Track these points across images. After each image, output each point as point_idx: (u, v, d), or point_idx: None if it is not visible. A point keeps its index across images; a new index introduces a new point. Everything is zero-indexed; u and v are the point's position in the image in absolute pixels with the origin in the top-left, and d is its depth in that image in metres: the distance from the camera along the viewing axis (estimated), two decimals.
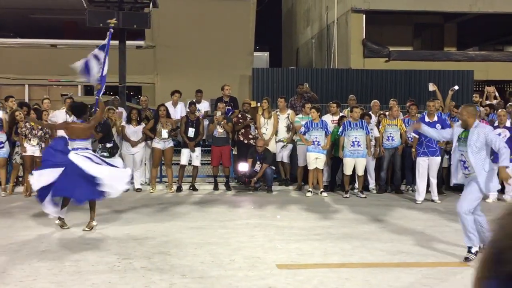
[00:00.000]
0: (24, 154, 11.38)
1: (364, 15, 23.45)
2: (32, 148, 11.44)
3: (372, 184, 12.48)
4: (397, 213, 10.03)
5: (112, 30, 9.60)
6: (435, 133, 7.70)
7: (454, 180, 7.12)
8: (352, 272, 6.19)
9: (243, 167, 12.40)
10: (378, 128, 12.29)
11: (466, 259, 6.65)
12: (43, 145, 11.50)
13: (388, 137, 12.22)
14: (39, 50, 23.89)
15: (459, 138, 6.84)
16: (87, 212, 8.32)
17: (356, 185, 12.05)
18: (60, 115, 12.00)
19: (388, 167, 12.42)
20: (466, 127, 6.77)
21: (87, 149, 8.22)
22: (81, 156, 7.94)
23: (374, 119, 12.69)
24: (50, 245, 7.32)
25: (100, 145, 11.44)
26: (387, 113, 12.72)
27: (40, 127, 11.46)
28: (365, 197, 11.63)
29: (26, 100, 22.14)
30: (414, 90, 20.96)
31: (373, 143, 12.14)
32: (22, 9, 24.77)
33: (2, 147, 11.47)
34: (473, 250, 6.68)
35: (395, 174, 12.48)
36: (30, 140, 11.42)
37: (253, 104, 15.24)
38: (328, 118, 12.63)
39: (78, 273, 6.06)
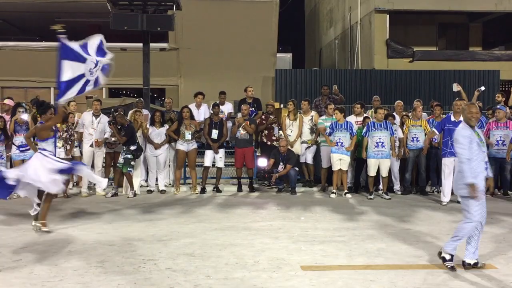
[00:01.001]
0: None
1: (388, 15, 23.33)
2: (58, 150, 11.53)
3: (396, 185, 12.38)
4: (423, 214, 9.93)
5: (61, 36, 8.41)
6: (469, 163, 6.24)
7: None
8: (378, 274, 6.14)
9: (262, 162, 12.45)
10: (402, 129, 12.18)
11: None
12: (68, 147, 11.62)
13: (412, 138, 12.11)
14: None
15: (479, 140, 6.34)
16: (110, 214, 8.37)
17: (381, 187, 11.96)
18: (87, 117, 12.11)
19: (412, 168, 12.30)
20: (472, 127, 6.40)
21: (45, 150, 8.19)
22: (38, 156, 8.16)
23: (398, 119, 12.59)
24: (76, 246, 7.38)
25: (124, 147, 11.53)
26: (409, 114, 12.62)
27: (65, 128, 11.57)
28: (390, 199, 11.54)
29: (52, 102, 22.43)
30: (438, 91, 20.81)
31: (397, 144, 12.05)
32: (47, 13, 25.05)
33: (28, 149, 11.60)
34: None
35: (420, 175, 12.35)
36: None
37: (277, 105, 15.23)
38: (352, 119, 12.56)
39: (104, 273, 6.11)
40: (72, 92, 8.41)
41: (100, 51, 8.84)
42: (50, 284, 5.75)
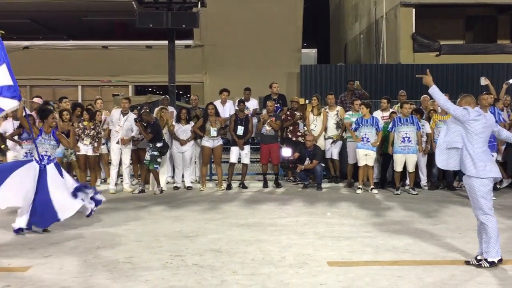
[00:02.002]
0: (78, 153, 11.64)
1: (414, 9, 23.06)
2: (85, 148, 11.70)
3: (423, 180, 12.27)
4: (450, 210, 9.84)
5: None
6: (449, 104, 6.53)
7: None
8: (405, 270, 6.10)
9: (287, 152, 12.47)
10: (429, 124, 12.07)
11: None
12: (95, 144, 11.76)
13: (440, 132, 11.95)
14: (91, 52, 24.44)
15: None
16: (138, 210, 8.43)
17: (407, 182, 11.87)
18: (115, 115, 12.23)
19: None
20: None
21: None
22: None
23: (425, 114, 12.47)
24: (104, 242, 7.48)
25: (150, 144, 11.62)
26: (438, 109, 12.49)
27: (92, 126, 11.71)
28: (417, 194, 11.45)
29: (79, 100, 22.71)
30: (466, 85, 20.55)
31: (424, 139, 11.94)
32: (74, 12, 25.38)
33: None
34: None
35: (447, 170, 12.21)
36: (83, 139, 11.68)
37: (302, 101, 15.21)
38: (378, 114, 12.48)
39: (132, 269, 6.18)
40: None
41: None
42: (80, 279, 5.84)
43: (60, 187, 8.00)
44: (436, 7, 23.65)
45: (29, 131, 8.18)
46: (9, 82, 7.68)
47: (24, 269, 6.24)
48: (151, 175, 11.89)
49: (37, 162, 8.01)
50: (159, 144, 11.60)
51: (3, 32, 7.85)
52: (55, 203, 7.80)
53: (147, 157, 11.65)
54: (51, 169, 8.08)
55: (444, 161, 6.51)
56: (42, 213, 7.76)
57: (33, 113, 12.32)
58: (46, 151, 8.14)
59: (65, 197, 7.92)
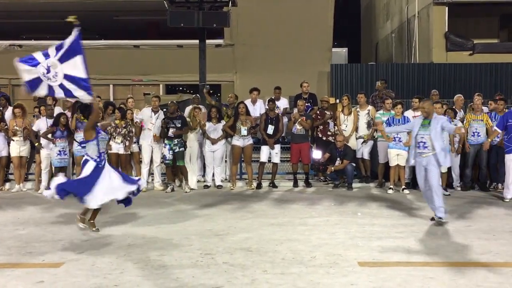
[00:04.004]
0: (109, 151, 11.76)
1: (447, 7, 22.77)
2: (117, 146, 11.81)
3: (456, 181, 12.09)
4: (484, 211, 9.68)
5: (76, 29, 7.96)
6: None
7: (412, 160, 9.05)
8: (437, 271, 6.02)
9: (317, 154, 12.41)
10: (462, 123, 11.89)
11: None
12: (127, 143, 11.86)
13: (473, 132, 11.81)
14: (122, 51, 24.69)
15: (422, 125, 8.74)
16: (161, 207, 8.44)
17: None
18: (146, 113, 12.32)
19: (473, 164, 11.99)
20: (427, 117, 8.76)
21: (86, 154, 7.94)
22: None
23: (458, 114, 12.29)
24: (135, 240, 7.54)
25: (175, 140, 11.72)
26: (470, 106, 12.33)
27: (123, 125, 11.81)
28: (449, 195, 11.28)
29: (111, 99, 22.95)
30: (500, 84, 20.24)
31: (457, 139, 11.76)
32: (106, 12, 25.66)
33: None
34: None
35: (480, 171, 12.03)
36: (114, 138, 11.79)
37: (332, 100, 15.12)
38: (409, 114, 12.32)
39: (162, 267, 6.22)
40: (40, 90, 7.93)
41: (66, 54, 7.89)
42: (112, 276, 5.90)
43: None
44: (469, 5, 23.32)
45: (90, 129, 7.90)
46: (83, 75, 7.85)
47: (57, 265, 6.34)
48: (179, 172, 12.02)
49: (94, 160, 7.80)
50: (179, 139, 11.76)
51: (76, 17, 7.91)
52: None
53: (169, 154, 11.73)
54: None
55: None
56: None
57: (66, 112, 12.53)
58: (104, 147, 8.01)
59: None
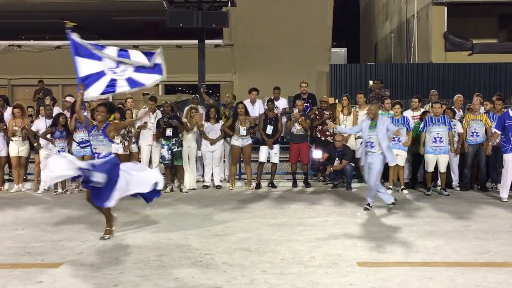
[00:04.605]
0: None
1: (446, 7, 22.79)
2: (116, 146, 11.79)
3: (455, 181, 12.10)
4: (483, 211, 9.68)
5: (71, 32, 8.07)
6: (348, 130, 11.35)
7: (363, 162, 9.87)
8: (436, 271, 6.03)
9: (317, 154, 12.42)
10: (462, 124, 11.90)
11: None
12: (126, 143, 11.86)
13: (472, 132, 11.81)
14: None
15: (370, 127, 9.57)
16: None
17: (439, 182, 11.71)
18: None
19: (472, 164, 12.00)
20: (374, 118, 9.61)
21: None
22: None
23: (457, 114, 12.30)
24: (134, 239, 7.54)
25: (173, 140, 11.74)
26: (468, 107, 12.35)
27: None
28: (448, 195, 11.29)
29: (110, 99, 22.92)
30: (499, 84, 20.26)
31: (456, 139, 11.77)
32: (105, 12, 25.64)
33: (88, 145, 11.87)
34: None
35: (480, 171, 12.04)
36: (113, 138, 11.76)
37: (331, 100, 15.11)
38: (408, 114, 12.34)
39: (162, 267, 6.22)
40: (95, 89, 7.95)
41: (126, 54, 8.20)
42: (111, 276, 5.90)
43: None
44: (468, 5, 23.35)
45: (84, 123, 7.96)
46: (146, 61, 8.05)
47: (56, 265, 6.33)
48: (177, 172, 12.04)
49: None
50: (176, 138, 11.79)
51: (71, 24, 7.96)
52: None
53: (167, 155, 11.74)
54: None
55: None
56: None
57: (65, 112, 12.53)
58: (95, 148, 7.75)
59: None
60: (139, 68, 8.05)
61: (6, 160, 12.44)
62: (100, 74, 7.98)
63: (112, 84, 7.98)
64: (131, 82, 8.01)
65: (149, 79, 8.07)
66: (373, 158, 9.53)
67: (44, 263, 6.46)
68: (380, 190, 9.72)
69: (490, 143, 11.08)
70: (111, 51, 8.10)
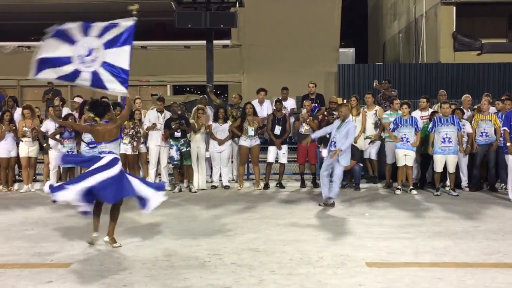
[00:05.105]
0: None
1: (455, 7, 22.71)
2: (125, 147, 11.84)
3: (464, 181, 12.04)
4: (492, 211, 9.64)
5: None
6: (321, 131, 10.93)
7: (325, 154, 10.48)
8: (445, 272, 6.01)
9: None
10: (471, 124, 11.85)
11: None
12: (134, 143, 11.89)
13: (481, 132, 11.77)
14: None
15: (337, 128, 9.99)
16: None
17: (448, 183, 11.67)
18: (152, 114, 12.33)
19: (481, 164, 11.95)
20: (343, 120, 10.01)
21: (111, 152, 7.15)
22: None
23: (466, 114, 12.25)
24: (143, 240, 7.56)
25: (182, 140, 11.74)
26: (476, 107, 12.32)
27: (131, 125, 11.84)
28: (457, 195, 11.25)
29: (119, 100, 22.99)
30: (508, 84, 20.15)
31: (465, 139, 11.73)
32: (112, 13, 25.60)
33: (95, 146, 11.88)
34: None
35: (489, 171, 11.99)
36: (122, 139, 11.81)
37: (340, 100, 15.09)
38: (417, 114, 12.30)
39: (170, 267, 6.23)
40: (52, 72, 7.27)
41: (114, 40, 7.33)
42: (120, 276, 5.92)
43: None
44: (477, 5, 23.26)
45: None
46: (126, 66, 7.25)
47: (65, 265, 6.36)
48: (184, 172, 12.07)
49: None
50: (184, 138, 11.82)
51: (137, 7, 7.50)
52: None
53: (176, 155, 11.75)
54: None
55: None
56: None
57: (74, 113, 12.58)
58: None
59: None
60: (108, 65, 7.22)
61: (16, 160, 12.50)
62: (65, 61, 7.28)
63: (74, 74, 7.29)
64: (95, 79, 7.25)
65: (112, 84, 7.26)
66: (338, 157, 9.95)
67: (53, 263, 6.49)
68: (337, 184, 10.05)
69: (508, 144, 10.82)
70: (97, 29, 7.36)
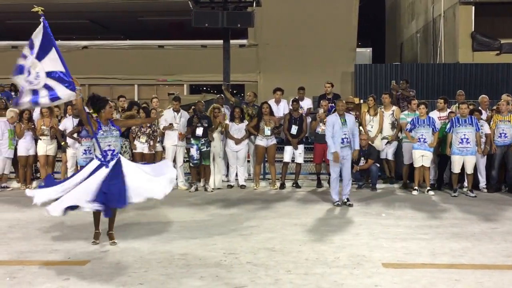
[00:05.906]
0: (134, 151, 11.84)
1: (473, 7, 22.51)
2: (141, 145, 11.89)
3: (482, 183, 11.94)
4: (510, 213, 9.54)
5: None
6: (329, 138, 10.25)
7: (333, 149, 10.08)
8: (463, 274, 5.95)
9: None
10: (489, 124, 11.74)
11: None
12: (151, 142, 11.93)
13: (500, 133, 11.66)
14: (147, 51, 24.89)
15: (342, 123, 10.06)
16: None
17: (465, 184, 11.58)
18: (168, 114, 12.35)
19: (500, 165, 11.84)
20: (342, 115, 10.15)
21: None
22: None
23: (484, 115, 12.14)
24: (159, 238, 7.59)
25: (202, 140, 11.75)
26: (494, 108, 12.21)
27: (148, 124, 11.87)
28: (475, 196, 11.15)
29: (136, 99, 23.13)
30: None
31: (483, 140, 11.63)
32: (131, 12, 25.87)
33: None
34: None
35: (507, 172, 11.87)
36: (139, 137, 11.86)
37: (356, 100, 15.03)
38: (434, 115, 12.21)
39: (186, 266, 6.25)
40: (24, 98, 7.02)
41: (42, 49, 7.01)
42: (136, 274, 5.94)
43: (138, 173, 7.21)
44: (496, 4, 23.05)
45: (87, 126, 7.32)
46: (62, 68, 6.96)
47: (82, 263, 6.40)
48: (201, 172, 12.10)
49: (98, 159, 7.11)
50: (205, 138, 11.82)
51: (42, 9, 7.07)
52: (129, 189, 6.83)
53: (197, 155, 11.77)
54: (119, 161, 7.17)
55: None
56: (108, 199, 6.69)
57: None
58: (109, 145, 7.14)
59: (143, 182, 7.08)
60: (53, 73, 6.94)
61: (34, 158, 12.61)
62: (22, 90, 7.10)
63: (35, 97, 6.99)
64: (50, 90, 6.94)
65: (63, 91, 6.95)
66: (346, 152, 10.16)
67: (70, 261, 6.54)
68: (348, 184, 10.36)
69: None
70: (26, 48, 7.09)
